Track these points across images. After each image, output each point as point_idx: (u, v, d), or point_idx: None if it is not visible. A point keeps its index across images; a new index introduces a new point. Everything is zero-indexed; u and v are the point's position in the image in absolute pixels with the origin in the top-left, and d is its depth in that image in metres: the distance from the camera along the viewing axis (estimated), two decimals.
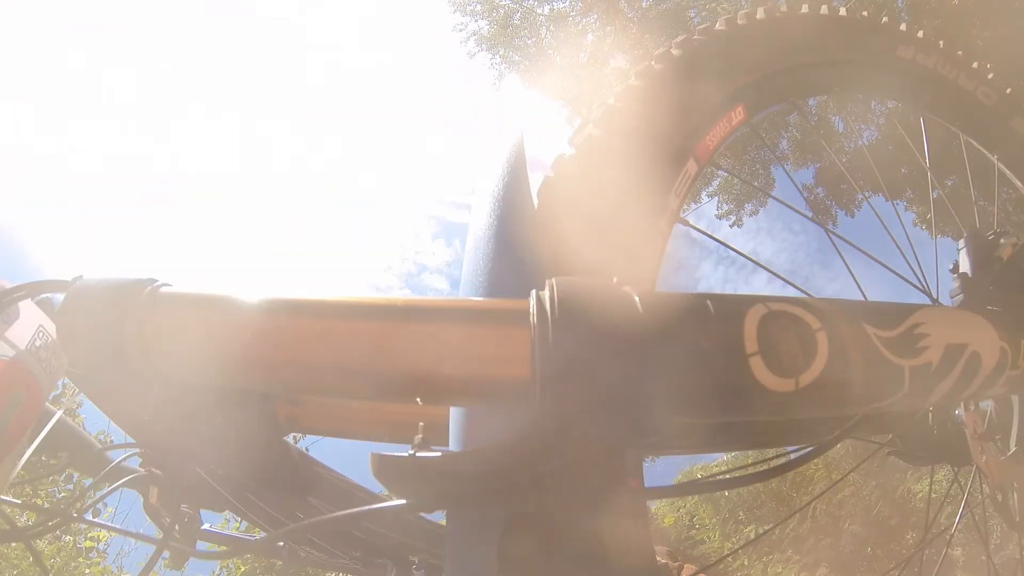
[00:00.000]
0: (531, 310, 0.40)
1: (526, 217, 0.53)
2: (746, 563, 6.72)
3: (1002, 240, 0.91)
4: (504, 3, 12.00)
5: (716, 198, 12.55)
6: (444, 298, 0.44)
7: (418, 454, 0.39)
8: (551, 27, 11.84)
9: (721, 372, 0.42)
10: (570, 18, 11.91)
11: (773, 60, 0.76)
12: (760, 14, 0.77)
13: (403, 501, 0.41)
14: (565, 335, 0.38)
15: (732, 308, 0.43)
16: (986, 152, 1.13)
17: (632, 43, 11.09)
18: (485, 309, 0.43)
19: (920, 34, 1.02)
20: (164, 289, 0.46)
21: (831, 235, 1.04)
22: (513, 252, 0.52)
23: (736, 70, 0.71)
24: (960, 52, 1.04)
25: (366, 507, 0.49)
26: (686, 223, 0.71)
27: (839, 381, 0.43)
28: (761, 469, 0.53)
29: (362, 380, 0.41)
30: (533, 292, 0.42)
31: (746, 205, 12.54)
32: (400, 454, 0.39)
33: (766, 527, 6.99)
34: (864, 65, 0.93)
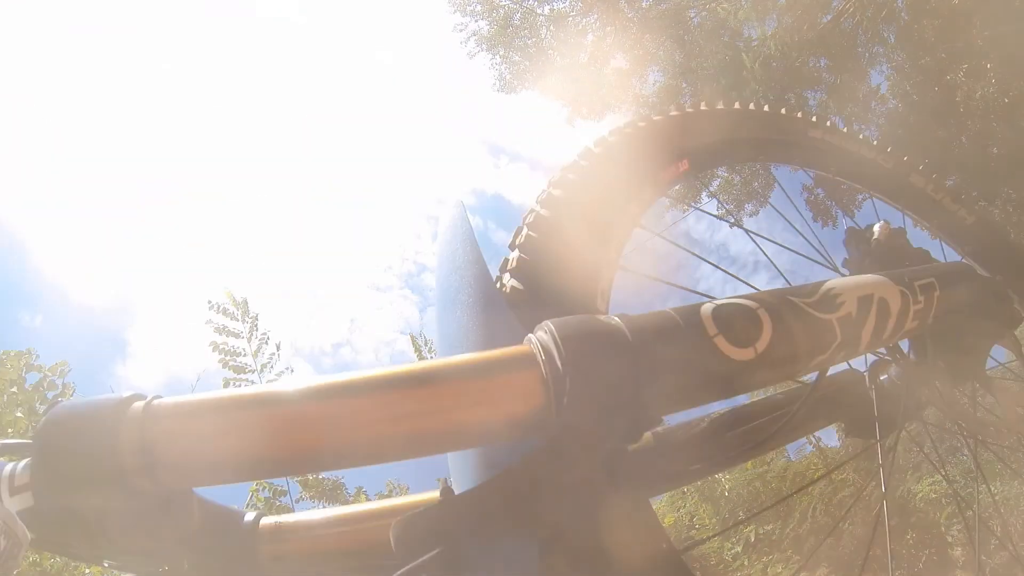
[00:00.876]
0: (537, 350, 0.47)
1: (484, 279, 0.59)
2: (746, 563, 6.72)
3: (875, 227, 1.09)
4: (504, 3, 11.99)
5: (716, 199, 12.58)
6: (449, 359, 0.48)
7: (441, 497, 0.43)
8: (551, 27, 11.83)
9: (697, 357, 0.51)
10: (570, 18, 11.90)
11: (713, 136, 0.97)
12: (704, 105, 1.00)
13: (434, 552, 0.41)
14: (575, 362, 0.44)
15: (690, 310, 0.54)
16: (892, 204, 1.37)
17: (632, 43, 11.09)
18: (491, 360, 0.47)
19: (828, 122, 1.30)
20: (158, 402, 0.46)
21: (749, 233, 1.23)
22: (482, 311, 0.58)
23: (685, 138, 0.91)
24: (861, 133, 1.28)
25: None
26: (649, 233, 0.85)
27: (787, 341, 0.55)
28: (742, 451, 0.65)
29: (400, 443, 0.45)
30: (531, 337, 0.50)
31: (746, 205, 12.56)
32: (418, 511, 0.43)
33: (766, 527, 6.99)
34: (783, 143, 1.18)
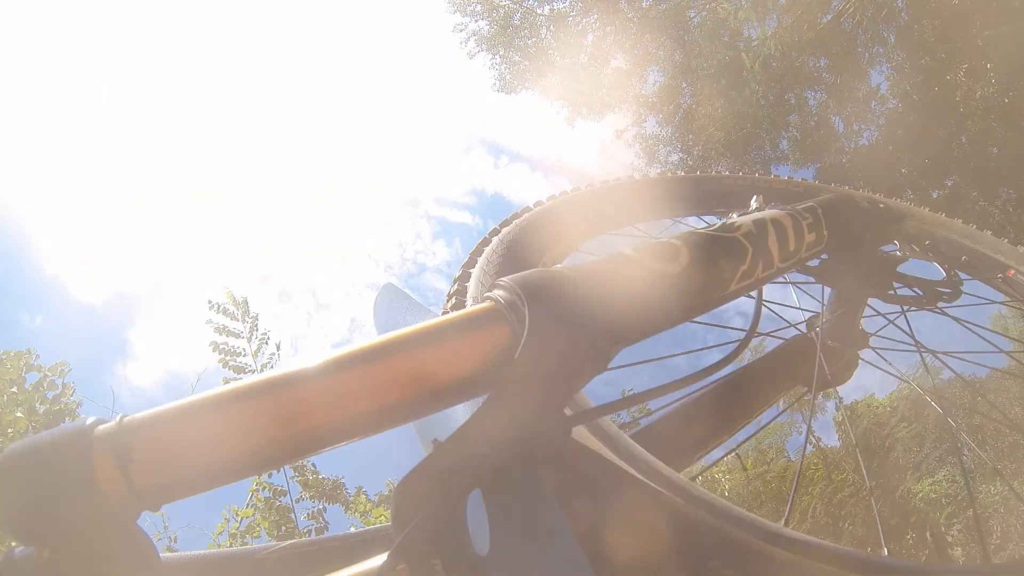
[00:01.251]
0: (497, 301, 0.51)
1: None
2: None
3: (752, 201, 1.15)
4: (504, 3, 11.98)
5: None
6: (420, 325, 0.50)
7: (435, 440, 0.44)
8: (551, 27, 11.83)
9: (632, 276, 0.59)
10: (570, 18, 11.90)
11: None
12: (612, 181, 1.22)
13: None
14: (537, 303, 0.48)
15: (618, 253, 0.63)
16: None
17: (632, 43, 11.09)
18: (459, 319, 0.51)
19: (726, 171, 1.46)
20: (128, 419, 0.42)
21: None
22: None
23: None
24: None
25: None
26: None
27: (703, 254, 0.65)
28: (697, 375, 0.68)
29: (397, 410, 0.46)
30: (490, 294, 0.53)
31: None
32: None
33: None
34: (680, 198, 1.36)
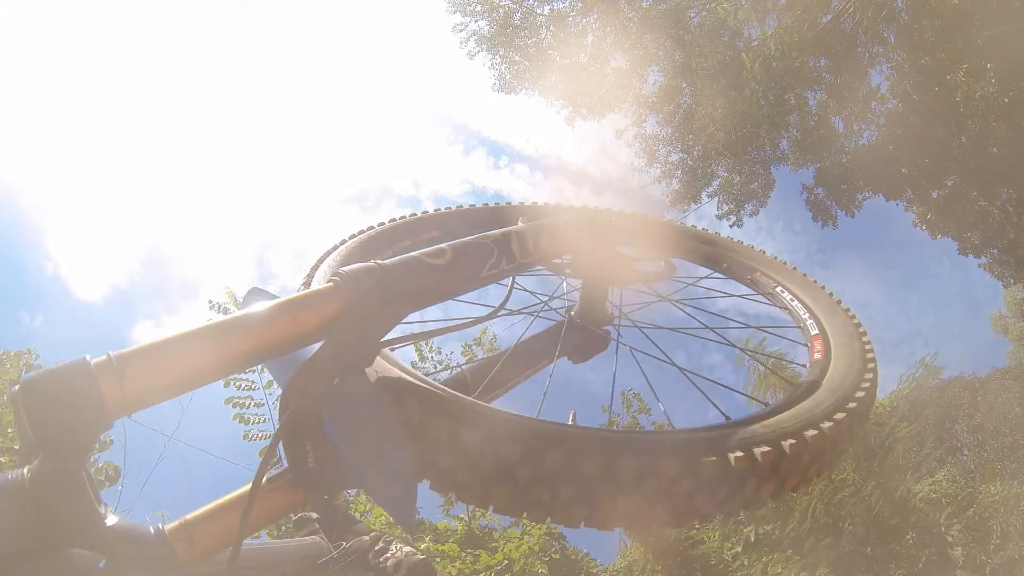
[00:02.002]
0: (335, 281, 0.82)
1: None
2: (746, 563, 6.72)
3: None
4: (504, 3, 11.99)
5: (716, 198, 12.59)
6: (291, 296, 0.82)
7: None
8: (551, 27, 11.83)
9: (414, 266, 0.91)
10: (570, 18, 11.90)
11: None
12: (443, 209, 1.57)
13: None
14: (354, 282, 0.82)
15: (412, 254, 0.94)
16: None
17: (632, 43, 11.09)
18: (313, 293, 0.84)
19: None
20: (115, 353, 0.65)
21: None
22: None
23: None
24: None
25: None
26: None
27: (460, 254, 0.97)
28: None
29: (279, 347, 0.77)
30: (333, 277, 0.84)
31: (746, 205, 12.56)
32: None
33: (766, 527, 6.99)
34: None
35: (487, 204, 1.72)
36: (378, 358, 0.84)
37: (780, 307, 1.52)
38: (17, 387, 0.59)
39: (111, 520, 0.68)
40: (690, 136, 11.80)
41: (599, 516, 0.77)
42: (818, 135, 11.23)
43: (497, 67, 12.18)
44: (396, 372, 0.87)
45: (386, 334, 0.83)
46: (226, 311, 3.88)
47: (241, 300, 1.03)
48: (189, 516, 0.77)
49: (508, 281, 1.15)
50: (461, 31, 12.18)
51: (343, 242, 1.29)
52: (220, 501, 0.80)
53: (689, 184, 12.42)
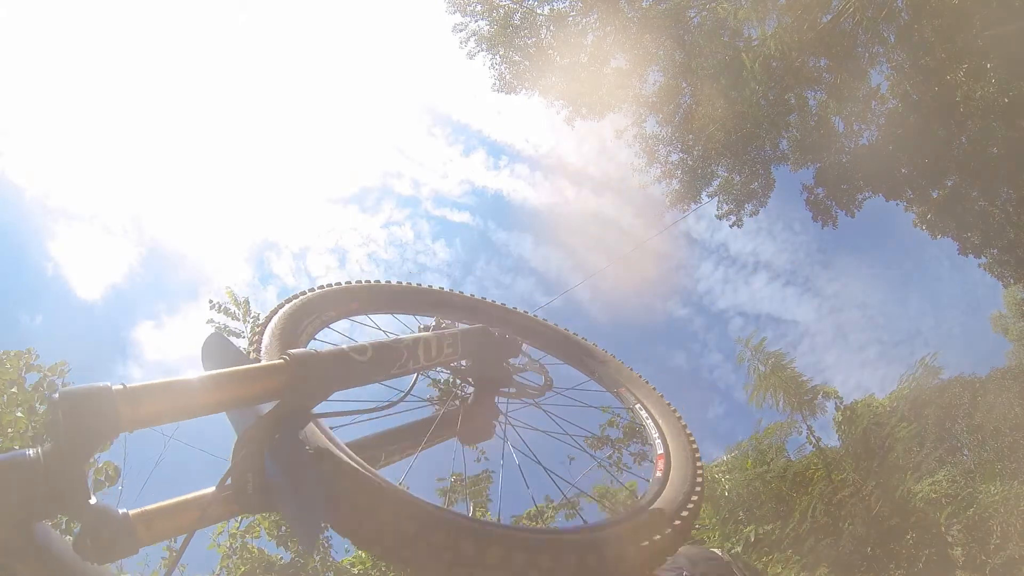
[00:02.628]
0: (285, 359, 1.06)
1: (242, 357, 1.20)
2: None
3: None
4: (504, 3, 11.99)
5: (716, 198, 12.59)
6: (250, 366, 1.07)
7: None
8: (551, 27, 11.83)
9: (343, 359, 1.16)
10: (570, 18, 11.90)
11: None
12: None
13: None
14: (300, 367, 1.06)
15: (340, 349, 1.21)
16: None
17: (632, 43, 11.10)
18: (267, 367, 1.07)
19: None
20: (135, 386, 0.88)
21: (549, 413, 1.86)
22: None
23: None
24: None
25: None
26: None
27: (378, 353, 1.24)
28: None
29: (236, 402, 1.03)
30: (282, 355, 1.09)
31: (746, 205, 12.56)
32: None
33: (766, 527, 6.99)
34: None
35: (406, 283, 1.94)
36: (310, 424, 1.07)
37: (636, 423, 1.78)
38: (57, 394, 0.82)
39: (93, 500, 0.87)
40: (690, 136, 11.81)
41: None
42: (818, 135, 11.24)
43: (497, 67, 12.18)
44: (321, 437, 1.08)
45: (316, 406, 1.08)
46: (226, 311, 3.88)
47: (202, 345, 1.22)
48: (150, 506, 0.97)
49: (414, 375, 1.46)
50: (461, 31, 12.19)
51: (281, 306, 1.53)
52: (176, 500, 1.00)
53: (689, 184, 12.43)
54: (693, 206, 12.90)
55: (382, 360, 1.24)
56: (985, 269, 12.68)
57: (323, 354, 1.12)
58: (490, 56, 12.12)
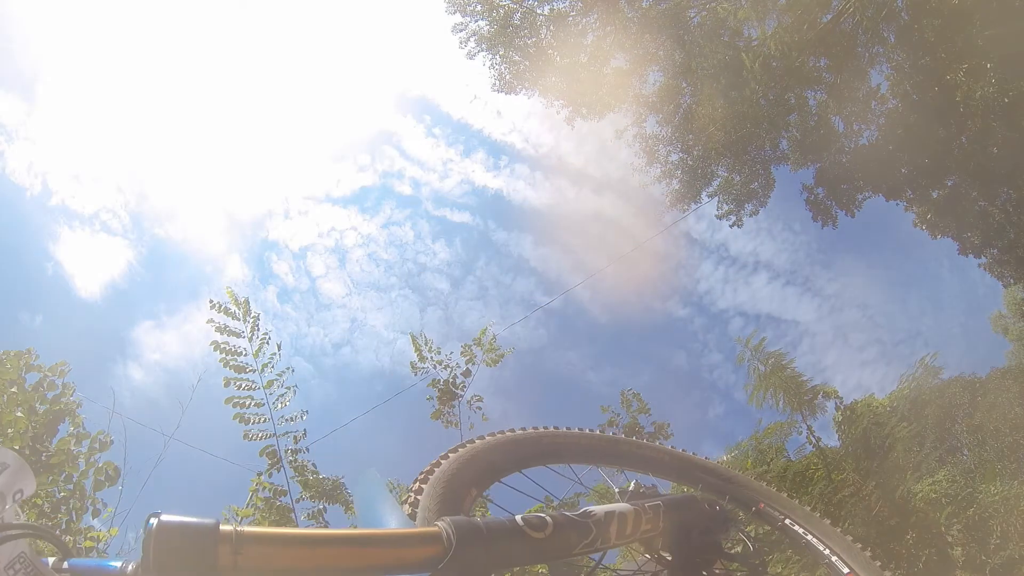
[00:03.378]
0: (442, 529, 0.89)
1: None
2: None
3: (630, 484, 1.55)
4: (504, 3, 11.98)
5: (716, 198, 12.59)
6: (381, 530, 0.92)
7: None
8: (551, 27, 11.83)
9: (515, 534, 0.97)
10: (570, 18, 11.89)
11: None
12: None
13: None
14: (457, 534, 0.88)
15: (511, 519, 0.99)
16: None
17: (632, 43, 11.10)
18: (422, 532, 0.91)
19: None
20: (245, 530, 0.74)
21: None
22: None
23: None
24: None
25: None
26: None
27: (561, 529, 1.02)
28: None
29: (358, 571, 0.82)
30: (439, 522, 0.91)
31: (746, 205, 12.56)
32: None
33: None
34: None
35: (598, 433, 1.74)
36: None
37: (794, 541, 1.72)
38: (154, 520, 0.71)
39: None
40: (690, 136, 11.81)
41: None
42: (818, 135, 11.24)
43: (497, 67, 12.18)
44: None
45: None
46: (226, 310, 3.88)
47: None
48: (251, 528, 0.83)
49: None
50: (461, 31, 12.18)
51: (446, 457, 1.36)
52: (286, 530, 0.90)
53: (689, 184, 12.43)
54: (693, 206, 12.90)
55: (565, 540, 1.03)
56: (985, 269, 12.68)
57: (491, 526, 0.94)
58: (490, 56, 12.12)
